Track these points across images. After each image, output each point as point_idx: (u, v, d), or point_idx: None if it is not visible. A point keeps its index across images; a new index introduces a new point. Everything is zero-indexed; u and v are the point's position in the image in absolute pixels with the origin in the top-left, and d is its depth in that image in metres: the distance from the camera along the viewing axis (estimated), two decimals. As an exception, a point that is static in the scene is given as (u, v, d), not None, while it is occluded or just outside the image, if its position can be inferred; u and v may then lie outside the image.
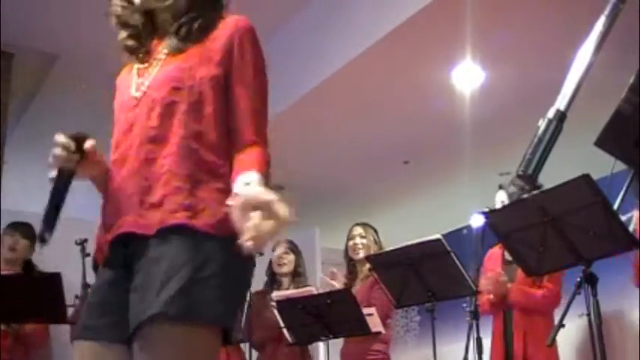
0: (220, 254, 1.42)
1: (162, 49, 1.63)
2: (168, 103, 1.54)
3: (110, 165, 1.60)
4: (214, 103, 1.54)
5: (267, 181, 1.42)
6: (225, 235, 1.39)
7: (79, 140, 1.51)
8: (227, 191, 1.44)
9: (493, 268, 3.87)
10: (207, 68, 1.56)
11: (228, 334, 1.48)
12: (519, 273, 3.62)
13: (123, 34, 1.65)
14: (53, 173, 1.51)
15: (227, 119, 1.55)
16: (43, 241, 1.43)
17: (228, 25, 1.60)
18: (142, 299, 1.39)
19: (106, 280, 1.53)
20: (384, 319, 3.94)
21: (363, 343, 3.93)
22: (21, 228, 4.25)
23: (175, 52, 1.59)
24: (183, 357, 1.38)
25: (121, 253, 1.51)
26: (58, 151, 1.49)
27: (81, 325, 1.52)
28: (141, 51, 1.64)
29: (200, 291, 1.38)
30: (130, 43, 1.64)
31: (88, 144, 1.52)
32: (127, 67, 1.69)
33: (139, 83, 1.60)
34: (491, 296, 3.74)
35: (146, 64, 1.62)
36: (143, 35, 1.64)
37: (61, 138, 1.50)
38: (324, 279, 4.19)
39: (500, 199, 3.78)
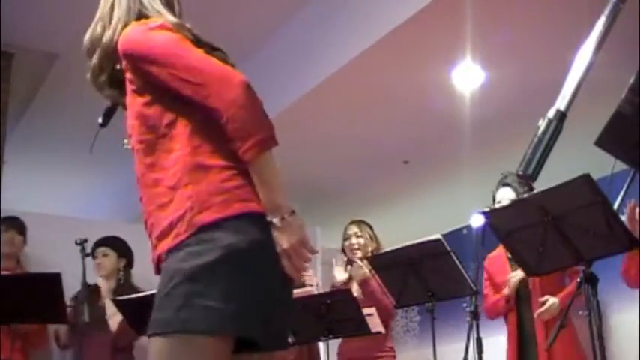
0: (183, 262, 1.40)
1: None
2: (133, 150, 1.62)
3: None
4: (141, 134, 1.55)
5: None
6: (190, 235, 1.42)
7: None
8: (183, 192, 1.46)
9: (498, 272, 3.86)
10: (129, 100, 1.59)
11: (248, 338, 1.42)
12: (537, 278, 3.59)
13: None
14: None
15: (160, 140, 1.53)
16: (102, 126, 1.69)
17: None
18: None
19: None
20: (390, 317, 4.02)
21: (369, 340, 3.93)
22: (16, 223, 4.35)
23: None
24: None
25: None
26: None
27: None
28: None
29: (166, 304, 1.39)
30: None
31: None
32: None
33: None
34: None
35: None
36: None
37: None
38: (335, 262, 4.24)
39: (507, 196, 3.76)
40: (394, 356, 4.15)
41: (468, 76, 4.88)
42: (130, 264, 4.39)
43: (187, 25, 1.60)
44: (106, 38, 1.62)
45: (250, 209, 1.44)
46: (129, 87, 1.57)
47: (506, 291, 3.74)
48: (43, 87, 5.64)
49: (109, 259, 4.33)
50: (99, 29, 1.65)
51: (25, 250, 4.47)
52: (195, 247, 1.40)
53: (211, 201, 1.42)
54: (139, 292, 4.05)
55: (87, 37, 1.68)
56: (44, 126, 6.12)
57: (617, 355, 4.10)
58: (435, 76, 4.92)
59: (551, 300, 3.58)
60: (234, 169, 1.47)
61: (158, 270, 1.51)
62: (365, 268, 4.03)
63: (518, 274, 3.63)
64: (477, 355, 3.40)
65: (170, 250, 1.44)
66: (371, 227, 4.37)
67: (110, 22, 1.63)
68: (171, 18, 1.61)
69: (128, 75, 1.56)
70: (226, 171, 1.47)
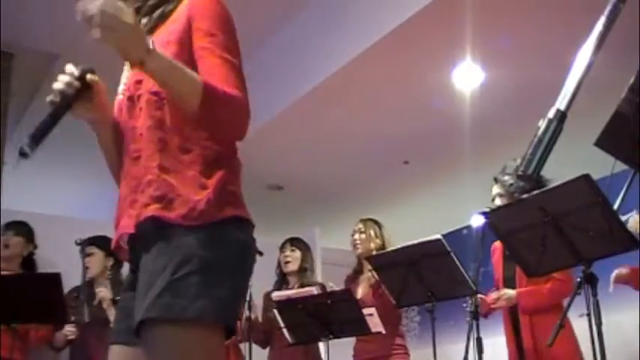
0: (201, 250, 1.41)
1: None
2: (134, 97, 1.56)
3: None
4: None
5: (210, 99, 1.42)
6: (202, 224, 1.42)
7: (85, 72, 1.53)
8: (199, 178, 1.46)
9: (497, 262, 3.86)
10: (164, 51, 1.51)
11: (230, 330, 1.47)
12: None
13: None
14: (53, 97, 1.53)
15: None
16: (23, 154, 1.44)
17: (184, 6, 1.58)
18: (137, 307, 1.42)
19: (127, 283, 1.60)
20: (400, 319, 4.08)
21: (382, 338, 3.94)
22: (13, 226, 4.30)
23: None
24: (178, 355, 1.38)
25: (131, 255, 1.56)
26: (62, 75, 1.52)
27: (113, 329, 1.59)
28: None
29: (180, 290, 1.38)
30: None
31: (90, 76, 1.53)
32: None
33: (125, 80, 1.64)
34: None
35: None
36: None
37: (69, 66, 1.53)
38: None
39: (496, 191, 3.76)
40: (407, 354, 4.15)
41: (468, 76, 4.88)
42: (117, 262, 4.28)
43: None
44: None
45: (248, 214, 1.53)
46: (166, 35, 1.55)
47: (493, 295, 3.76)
48: (43, 87, 5.64)
49: (96, 257, 4.22)
50: None
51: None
52: (213, 236, 1.43)
53: (227, 198, 1.48)
54: None
55: None
56: (44, 126, 6.11)
57: (617, 355, 4.10)
58: (435, 76, 4.92)
59: (505, 292, 3.62)
60: (236, 175, 1.54)
61: (136, 228, 1.48)
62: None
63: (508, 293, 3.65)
64: (477, 355, 3.40)
65: (181, 227, 1.42)
66: (379, 226, 4.41)
67: None
68: None
69: (175, 26, 1.55)
70: (232, 174, 1.52)
